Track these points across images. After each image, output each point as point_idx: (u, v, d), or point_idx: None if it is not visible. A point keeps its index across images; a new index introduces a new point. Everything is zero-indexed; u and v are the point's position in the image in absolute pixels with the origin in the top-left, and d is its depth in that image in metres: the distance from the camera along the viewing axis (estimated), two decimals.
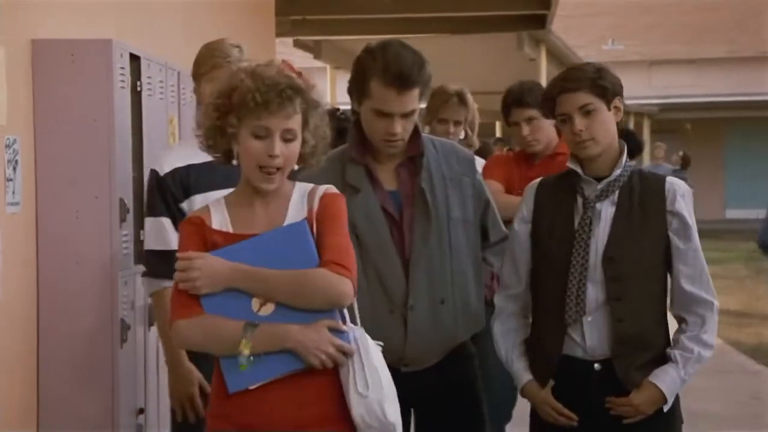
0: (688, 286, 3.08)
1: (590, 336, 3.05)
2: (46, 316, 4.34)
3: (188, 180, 3.52)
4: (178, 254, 2.66)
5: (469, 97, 4.82)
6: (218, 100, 2.64)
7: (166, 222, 3.51)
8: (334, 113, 5.12)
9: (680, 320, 3.12)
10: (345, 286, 2.58)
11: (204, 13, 6.87)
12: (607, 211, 3.09)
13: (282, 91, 2.58)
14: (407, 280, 3.10)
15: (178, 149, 3.80)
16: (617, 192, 3.10)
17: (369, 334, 2.64)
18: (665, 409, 3.06)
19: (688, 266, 3.09)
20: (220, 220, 2.69)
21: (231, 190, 2.94)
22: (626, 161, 3.13)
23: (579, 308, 3.04)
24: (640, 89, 25.48)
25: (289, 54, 13.33)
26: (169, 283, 3.19)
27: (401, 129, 3.08)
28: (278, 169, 2.63)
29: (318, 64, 14.17)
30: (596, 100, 3.06)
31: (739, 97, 26.41)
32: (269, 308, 2.61)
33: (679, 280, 3.10)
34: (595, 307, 3.05)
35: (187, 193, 3.52)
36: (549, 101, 3.13)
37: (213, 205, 2.72)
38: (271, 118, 2.59)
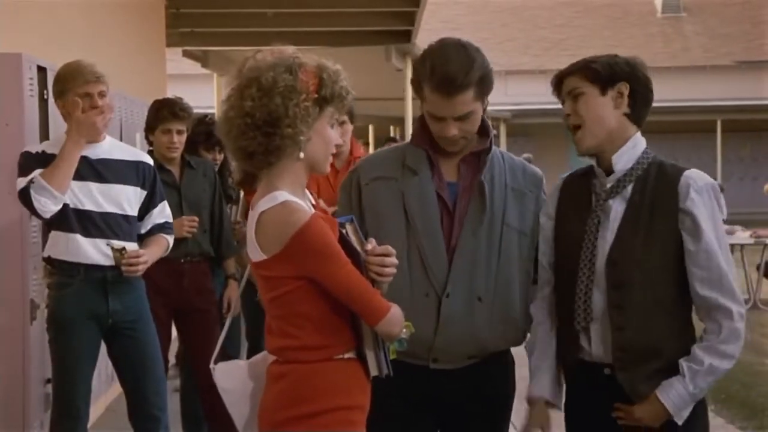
0: (703, 290, 2.59)
1: (595, 344, 2.65)
2: None
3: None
4: (372, 249, 2.44)
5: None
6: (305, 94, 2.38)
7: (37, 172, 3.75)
8: (203, 119, 5.38)
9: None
10: None
11: (103, 30, 6.99)
12: (617, 209, 2.64)
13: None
14: (450, 267, 2.77)
15: (44, 146, 3.99)
16: (629, 187, 2.65)
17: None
18: (679, 422, 2.60)
19: (701, 269, 2.58)
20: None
21: (84, 183, 3.66)
22: (645, 153, 2.67)
23: (587, 315, 2.64)
24: (497, 97, 25.98)
25: (178, 62, 13.43)
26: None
27: (457, 131, 2.75)
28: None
29: (205, 71, 14.25)
30: (585, 84, 2.66)
31: None
32: None
33: (693, 284, 2.60)
34: (601, 315, 2.64)
35: None
36: (557, 87, 2.75)
37: (300, 197, 2.42)
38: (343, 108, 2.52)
